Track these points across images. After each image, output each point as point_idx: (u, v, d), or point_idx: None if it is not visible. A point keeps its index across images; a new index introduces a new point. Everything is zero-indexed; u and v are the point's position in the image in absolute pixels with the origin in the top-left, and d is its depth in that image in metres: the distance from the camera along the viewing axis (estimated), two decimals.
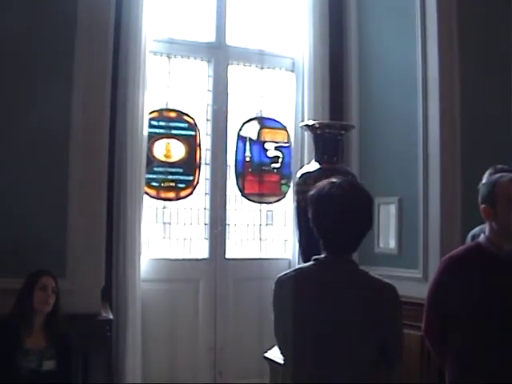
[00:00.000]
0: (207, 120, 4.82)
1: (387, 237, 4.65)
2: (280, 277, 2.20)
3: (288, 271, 2.22)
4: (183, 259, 4.68)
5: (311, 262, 2.17)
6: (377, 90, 4.84)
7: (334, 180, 2.16)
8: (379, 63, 4.83)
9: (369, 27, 4.95)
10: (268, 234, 5.05)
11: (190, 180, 4.74)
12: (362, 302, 2.07)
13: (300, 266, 2.33)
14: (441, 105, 4.28)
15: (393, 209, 4.59)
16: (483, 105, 4.43)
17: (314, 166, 3.79)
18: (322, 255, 2.14)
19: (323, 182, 2.17)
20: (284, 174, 5.07)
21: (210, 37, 4.86)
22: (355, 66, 5.01)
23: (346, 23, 5.10)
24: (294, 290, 2.13)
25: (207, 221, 4.77)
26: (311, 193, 2.19)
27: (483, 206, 2.49)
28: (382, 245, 4.68)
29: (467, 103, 4.34)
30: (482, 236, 2.53)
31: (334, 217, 2.09)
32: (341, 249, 2.13)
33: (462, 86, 4.34)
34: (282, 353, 2.30)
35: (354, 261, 2.19)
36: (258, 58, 4.98)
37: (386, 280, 2.18)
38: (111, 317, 3.84)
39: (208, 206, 4.78)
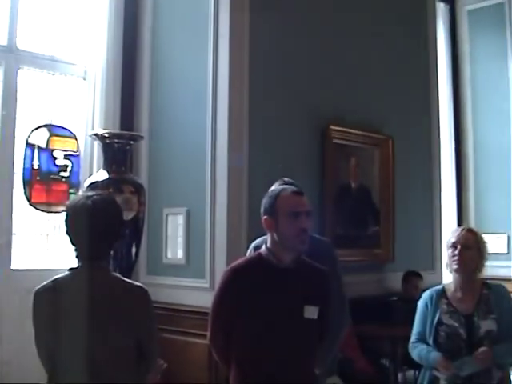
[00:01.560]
0: None
1: (175, 247, 4.87)
2: (37, 289, 2.42)
3: (45, 282, 2.44)
4: None
5: (67, 272, 2.44)
6: (168, 101, 5.09)
7: (89, 193, 2.53)
8: (172, 75, 5.09)
9: (163, 39, 5.20)
10: (56, 243, 5.07)
11: None
12: (112, 303, 2.37)
13: (57, 276, 2.50)
14: (229, 118, 4.66)
15: (181, 219, 4.83)
16: (270, 120, 4.97)
17: (102, 175, 3.98)
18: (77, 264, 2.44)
19: (79, 195, 2.50)
20: (72, 183, 5.12)
21: (0, 40, 4.79)
22: (147, 77, 5.22)
23: (139, 34, 5.30)
24: (51, 300, 2.37)
25: None
26: (67, 203, 2.52)
27: (265, 217, 2.69)
28: (169, 255, 4.91)
29: (256, 119, 4.80)
30: (263, 247, 2.74)
31: (84, 227, 2.38)
32: (92, 257, 2.41)
33: (251, 101, 4.79)
34: (43, 365, 2.46)
35: (106, 267, 2.50)
36: (50, 64, 5.02)
37: (138, 283, 2.54)
38: None
39: None
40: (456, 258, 3.14)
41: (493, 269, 7.78)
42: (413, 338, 3.25)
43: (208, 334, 2.84)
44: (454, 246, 3.16)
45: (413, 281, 5.77)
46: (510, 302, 3.22)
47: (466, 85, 8.70)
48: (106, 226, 2.46)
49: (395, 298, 5.84)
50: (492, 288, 3.24)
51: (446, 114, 8.43)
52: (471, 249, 3.16)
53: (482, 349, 2.97)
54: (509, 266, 8.11)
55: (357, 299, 5.43)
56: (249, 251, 3.51)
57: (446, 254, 3.25)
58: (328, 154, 5.45)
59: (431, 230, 6.54)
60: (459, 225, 8.35)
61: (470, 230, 3.25)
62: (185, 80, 4.99)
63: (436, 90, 7.01)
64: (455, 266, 3.16)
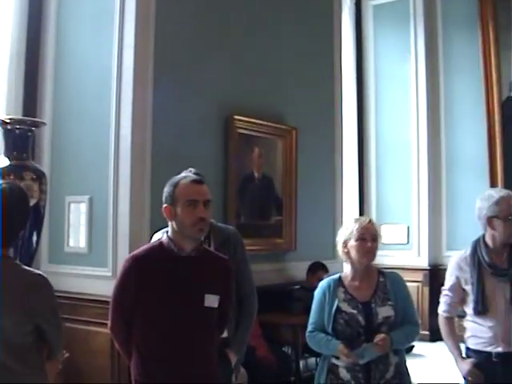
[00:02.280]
0: None
1: (77, 236, 4.91)
2: None
3: None
4: None
5: None
6: (72, 89, 5.11)
7: None
8: (76, 64, 5.11)
9: (67, 26, 5.19)
10: None
11: None
12: (12, 291, 2.45)
13: None
14: (133, 107, 4.75)
15: (83, 207, 4.88)
16: (174, 109, 5.10)
17: (3, 161, 4.01)
18: None
19: None
20: None
21: None
22: (51, 64, 5.20)
23: (44, 19, 5.25)
24: None
25: None
26: None
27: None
28: (72, 244, 4.94)
29: (160, 108, 4.92)
30: (164, 235, 2.81)
31: None
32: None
33: (155, 91, 4.91)
34: None
35: (9, 256, 2.60)
36: None
37: (38, 271, 2.64)
38: None
39: None
40: (368, 250, 3.22)
41: (393, 258, 8.35)
42: (310, 327, 3.31)
43: (109, 322, 2.89)
44: (362, 238, 3.22)
45: (318, 272, 5.96)
46: (406, 288, 3.37)
47: (370, 78, 9.14)
48: (15, 214, 2.54)
49: (297, 287, 6.07)
50: (388, 276, 3.35)
51: (350, 107, 8.82)
52: (376, 240, 3.28)
53: (380, 335, 3.09)
54: (408, 256, 8.64)
55: (259, 288, 5.63)
56: (152, 240, 3.49)
57: (345, 244, 3.26)
58: (232, 143, 5.63)
59: (333, 220, 6.80)
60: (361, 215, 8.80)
61: (371, 222, 3.33)
62: (89, 68, 5.03)
63: (340, 82, 7.33)
64: (366, 259, 3.25)
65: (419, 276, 8.37)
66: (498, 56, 8.06)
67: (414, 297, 7.97)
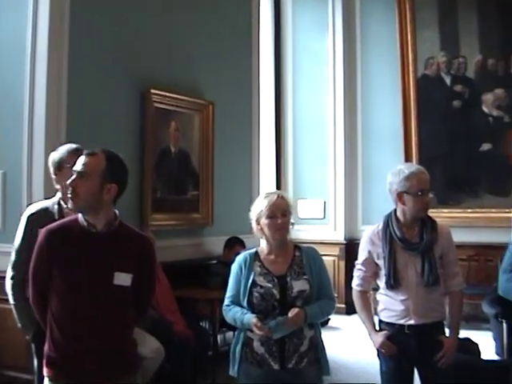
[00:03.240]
0: None
1: None
2: None
3: None
4: None
5: None
6: None
7: None
8: None
9: None
10: None
11: None
12: None
13: None
14: (48, 80, 4.81)
15: None
16: (91, 83, 5.16)
17: None
18: None
19: None
20: None
21: None
22: None
23: None
24: None
25: None
26: None
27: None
28: None
29: (75, 81, 4.98)
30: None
31: None
32: None
33: (70, 63, 4.96)
34: None
35: None
36: None
37: None
38: None
39: None
40: (279, 227, 3.29)
41: (310, 232, 8.68)
42: (226, 301, 3.37)
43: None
44: (272, 215, 3.28)
45: (235, 247, 6.09)
46: (322, 263, 3.45)
47: (288, 53, 9.34)
48: None
49: (214, 262, 6.23)
50: (304, 250, 3.43)
51: (268, 81, 8.99)
52: (287, 215, 3.34)
53: (294, 310, 3.17)
54: (325, 230, 8.99)
55: (176, 263, 5.83)
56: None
57: (258, 222, 3.31)
58: (148, 117, 5.72)
59: (250, 195, 6.92)
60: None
61: (282, 197, 3.38)
62: (3, 38, 5.01)
63: (258, 57, 7.47)
64: (278, 235, 3.32)
65: (335, 250, 8.73)
66: (414, 34, 8.40)
67: (330, 271, 8.34)
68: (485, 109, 8.23)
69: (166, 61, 6.02)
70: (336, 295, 8.30)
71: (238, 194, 6.87)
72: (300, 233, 8.72)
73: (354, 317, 6.50)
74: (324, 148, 9.05)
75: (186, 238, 6.24)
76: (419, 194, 3.48)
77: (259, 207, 3.36)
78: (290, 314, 3.17)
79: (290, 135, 9.33)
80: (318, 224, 9.03)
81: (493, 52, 8.16)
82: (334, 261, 8.69)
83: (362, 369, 5.77)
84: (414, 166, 3.74)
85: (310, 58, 9.17)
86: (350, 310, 7.43)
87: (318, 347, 3.34)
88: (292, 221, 8.19)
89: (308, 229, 8.88)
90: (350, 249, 8.45)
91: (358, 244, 8.80)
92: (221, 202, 6.58)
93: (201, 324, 5.88)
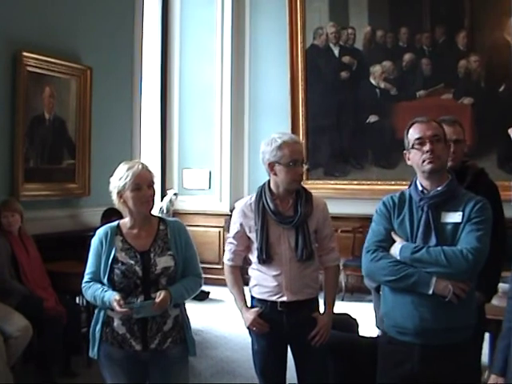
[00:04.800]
0: None
1: None
2: None
3: None
4: None
5: None
6: None
7: None
8: None
9: None
10: None
11: None
12: None
13: None
14: None
15: None
16: None
17: None
18: None
19: None
20: None
21: None
22: None
23: None
24: None
25: None
26: None
27: None
28: None
29: None
30: None
31: None
32: None
33: None
34: None
35: None
36: None
37: None
38: None
39: None
40: (146, 200, 3.23)
41: (195, 203, 8.77)
42: (86, 277, 3.25)
43: None
44: (138, 188, 3.20)
45: (113, 219, 5.96)
46: (188, 238, 3.37)
47: (175, 21, 9.28)
48: None
49: (91, 234, 6.17)
50: (169, 224, 3.34)
51: (153, 48, 8.94)
52: (152, 186, 3.26)
53: (160, 294, 3.11)
54: (210, 201, 9.10)
55: (51, 236, 5.76)
56: None
57: (120, 195, 3.22)
58: (20, 82, 5.59)
59: None
60: (163, 161, 9.11)
61: (145, 167, 3.28)
62: None
63: (141, 22, 7.43)
64: (144, 209, 3.26)
65: (221, 221, 8.80)
66: (303, 4, 8.54)
67: (215, 242, 8.57)
68: (372, 81, 8.51)
69: (40, 22, 5.88)
70: (220, 267, 8.50)
71: (118, 164, 6.80)
72: (184, 203, 8.83)
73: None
74: (210, 118, 9.11)
75: (62, 209, 6.18)
76: (291, 164, 3.40)
77: (122, 179, 3.23)
78: (157, 298, 3.11)
79: (175, 104, 9.32)
80: (203, 194, 9.11)
81: (382, 24, 8.42)
82: (220, 232, 8.78)
83: (243, 342, 5.92)
84: (287, 134, 3.60)
85: (198, 26, 9.15)
86: None
87: (183, 326, 3.30)
88: (176, 191, 8.34)
89: (193, 199, 8.97)
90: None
91: None
92: (99, 172, 6.48)
93: (76, 299, 5.81)
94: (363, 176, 8.57)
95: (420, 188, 3.03)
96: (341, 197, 8.30)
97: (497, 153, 7.58)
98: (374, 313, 5.32)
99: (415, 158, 3.01)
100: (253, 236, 3.53)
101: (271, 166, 3.47)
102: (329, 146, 8.61)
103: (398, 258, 2.93)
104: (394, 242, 3.01)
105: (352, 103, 8.61)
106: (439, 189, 2.98)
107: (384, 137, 8.43)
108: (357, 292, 8.17)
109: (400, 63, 8.37)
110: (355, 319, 4.73)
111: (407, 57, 8.35)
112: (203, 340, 6.13)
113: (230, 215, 8.84)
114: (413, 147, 3.02)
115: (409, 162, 3.11)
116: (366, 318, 4.91)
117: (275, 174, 3.48)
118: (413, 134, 3.02)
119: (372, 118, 8.55)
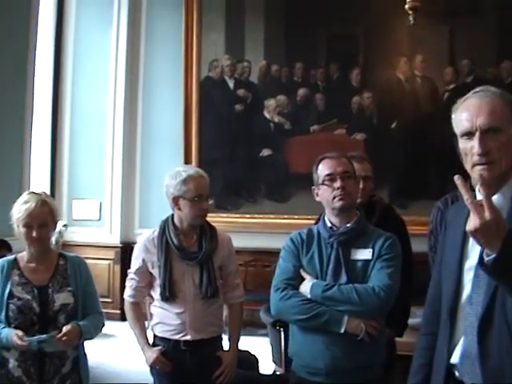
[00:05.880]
0: None
1: None
2: None
3: None
4: None
5: None
6: None
7: None
8: None
9: None
10: None
11: None
12: None
13: None
14: None
15: None
16: None
17: None
18: None
19: None
20: None
21: None
22: None
23: None
24: None
25: None
26: None
27: None
28: None
29: None
30: None
31: None
32: None
33: None
34: None
35: None
36: None
37: None
38: None
39: None
40: (34, 240, 3.10)
41: (85, 234, 8.49)
42: None
43: None
44: (28, 226, 3.08)
45: (0, 250, 5.70)
46: (88, 274, 3.29)
47: (69, 46, 9.07)
48: None
49: None
50: (69, 259, 3.26)
51: (46, 75, 8.73)
52: (47, 225, 3.15)
53: (68, 327, 2.99)
54: (100, 232, 8.84)
55: None
56: None
57: (18, 225, 3.09)
58: None
59: (19, 194, 6.51)
60: (53, 191, 8.79)
61: (44, 204, 3.15)
62: None
63: (34, 49, 7.09)
64: (33, 248, 3.15)
65: (111, 253, 8.61)
66: (199, 36, 8.55)
67: (105, 275, 8.33)
68: (267, 114, 8.58)
69: None
70: (110, 300, 8.26)
71: (6, 192, 6.49)
72: (74, 235, 8.55)
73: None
74: (102, 148, 8.93)
75: None
76: (196, 199, 3.39)
77: (17, 213, 3.13)
78: (64, 329, 3.00)
79: (66, 133, 9.08)
80: (93, 226, 8.88)
81: (277, 58, 8.54)
82: (109, 265, 8.59)
83: (136, 379, 5.71)
84: (192, 168, 3.62)
85: (92, 53, 8.99)
86: (125, 317, 7.40)
87: (81, 368, 3.20)
88: (65, 222, 8.00)
89: (82, 231, 8.71)
90: (125, 252, 8.34)
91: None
92: None
93: None
94: (256, 209, 8.56)
95: (329, 224, 3.04)
96: (233, 230, 8.17)
97: (388, 188, 7.76)
98: (271, 347, 5.29)
99: (325, 194, 3.01)
100: (155, 272, 3.46)
101: (175, 201, 3.43)
102: (221, 179, 8.57)
103: (309, 296, 2.90)
104: (303, 279, 2.98)
105: (246, 136, 8.63)
106: (348, 225, 3.00)
107: (277, 170, 8.51)
108: (249, 326, 8.09)
109: (294, 98, 8.49)
110: (255, 355, 4.69)
111: (301, 91, 8.45)
112: (94, 376, 5.89)
113: (121, 247, 8.74)
114: (323, 183, 3.00)
115: (317, 199, 3.10)
116: (261, 353, 4.93)
117: (179, 209, 3.44)
118: (323, 169, 3.03)
119: (265, 152, 8.58)
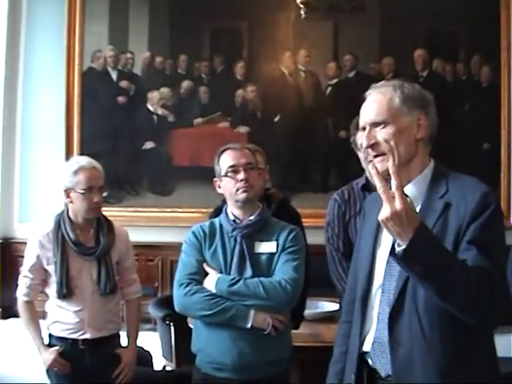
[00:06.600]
0: None
1: None
2: None
3: None
4: None
5: None
6: None
7: None
8: None
9: None
10: None
11: None
12: None
13: None
14: None
15: None
16: None
17: None
18: None
19: None
20: None
21: None
22: None
23: None
24: None
25: None
26: None
27: None
28: None
29: None
30: None
31: None
32: None
33: None
34: None
35: None
36: None
37: None
38: None
39: None
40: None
41: None
42: None
43: None
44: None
45: None
46: None
47: (20, 58, 8.56)
48: None
49: None
50: None
51: None
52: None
53: None
54: None
55: None
56: None
57: None
58: None
59: None
60: None
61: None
62: None
63: None
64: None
65: None
66: (82, 26, 8.33)
67: None
68: (150, 107, 8.51)
69: None
70: None
71: None
72: None
73: (14, 320, 6.15)
74: (53, 168, 8.40)
75: None
76: (86, 191, 3.31)
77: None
78: None
79: (17, 154, 8.58)
80: None
81: (161, 50, 8.47)
82: None
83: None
84: (86, 159, 3.50)
85: (44, 70, 8.53)
86: (7, 314, 7.14)
87: None
88: None
89: None
90: (5, 248, 8.07)
91: (14, 243, 8.51)
92: None
93: None
94: (138, 203, 8.47)
95: (232, 217, 3.03)
96: (116, 224, 8.07)
97: (271, 181, 7.74)
98: (161, 343, 5.25)
99: (228, 186, 3.01)
100: (51, 269, 3.36)
101: (67, 193, 3.35)
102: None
103: (214, 291, 2.87)
104: (207, 274, 2.95)
105: (128, 129, 8.53)
106: (252, 218, 3.00)
107: (160, 163, 8.46)
108: None
109: (178, 90, 8.47)
110: (148, 351, 4.65)
111: (185, 84, 8.44)
112: None
113: (1, 243, 8.39)
114: (226, 175, 2.98)
115: (219, 191, 3.10)
116: (152, 348, 4.87)
117: (71, 202, 3.35)
118: (225, 161, 3.02)
119: (148, 145, 8.52)
